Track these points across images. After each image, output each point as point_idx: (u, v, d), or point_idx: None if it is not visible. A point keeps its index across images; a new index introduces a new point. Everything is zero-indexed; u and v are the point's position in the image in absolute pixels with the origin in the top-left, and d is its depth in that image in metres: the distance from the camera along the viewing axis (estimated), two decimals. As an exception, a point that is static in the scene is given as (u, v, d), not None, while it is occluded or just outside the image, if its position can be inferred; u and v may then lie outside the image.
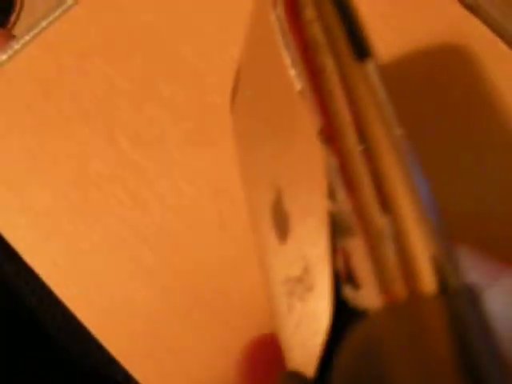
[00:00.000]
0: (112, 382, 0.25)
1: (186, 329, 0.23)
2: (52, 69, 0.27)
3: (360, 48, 0.14)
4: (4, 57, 0.28)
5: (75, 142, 0.26)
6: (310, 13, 0.14)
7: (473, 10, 0.26)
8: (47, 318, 0.26)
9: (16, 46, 0.28)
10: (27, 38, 0.28)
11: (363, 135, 0.13)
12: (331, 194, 0.13)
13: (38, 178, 0.26)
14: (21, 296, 0.26)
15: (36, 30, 0.28)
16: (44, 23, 0.28)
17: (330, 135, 0.13)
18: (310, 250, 0.14)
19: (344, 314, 0.14)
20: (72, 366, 0.26)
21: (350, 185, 0.13)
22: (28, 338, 0.26)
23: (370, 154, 0.13)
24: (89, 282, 0.25)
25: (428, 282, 0.13)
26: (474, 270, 0.16)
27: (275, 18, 0.14)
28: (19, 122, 0.27)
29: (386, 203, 0.13)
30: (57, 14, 0.28)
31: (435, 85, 0.25)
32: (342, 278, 0.13)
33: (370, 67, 0.14)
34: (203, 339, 0.23)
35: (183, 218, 0.25)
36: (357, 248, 0.13)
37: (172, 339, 0.24)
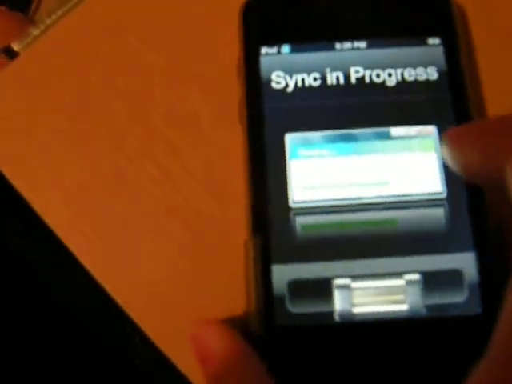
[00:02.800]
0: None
1: (216, 303, 0.24)
2: (84, 47, 0.28)
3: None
4: (37, 32, 0.28)
5: (108, 119, 0.27)
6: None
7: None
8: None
9: (48, 21, 0.28)
10: (59, 13, 0.29)
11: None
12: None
13: (71, 155, 0.27)
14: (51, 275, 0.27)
15: (67, 7, 0.28)
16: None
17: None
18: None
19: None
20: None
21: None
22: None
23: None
24: (120, 256, 0.25)
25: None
26: None
27: None
28: (52, 100, 0.27)
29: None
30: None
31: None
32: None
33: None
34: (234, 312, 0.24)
35: (214, 195, 0.26)
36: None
37: (201, 312, 0.24)
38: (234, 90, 0.25)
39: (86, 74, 0.28)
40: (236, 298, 0.23)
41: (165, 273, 0.25)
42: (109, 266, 0.25)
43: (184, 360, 0.24)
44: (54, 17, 0.29)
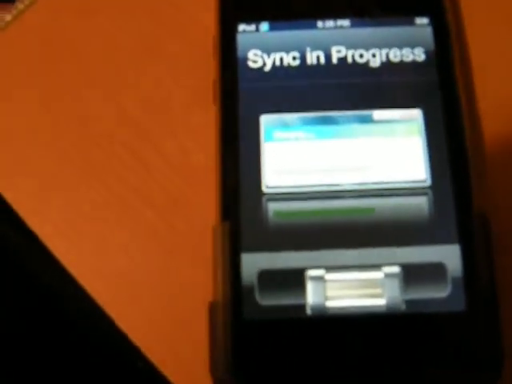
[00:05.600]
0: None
1: (189, 292, 0.23)
2: (54, 30, 0.27)
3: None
4: (8, 17, 0.27)
5: (77, 103, 0.26)
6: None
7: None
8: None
9: (21, 6, 0.28)
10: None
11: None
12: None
13: (40, 140, 0.26)
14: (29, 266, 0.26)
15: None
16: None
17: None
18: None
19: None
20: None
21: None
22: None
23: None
24: (90, 244, 0.24)
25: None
26: None
27: None
28: (21, 84, 0.27)
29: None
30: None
31: None
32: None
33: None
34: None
35: (188, 179, 0.25)
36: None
37: (174, 301, 0.23)
38: (207, 72, 0.24)
39: (57, 59, 0.27)
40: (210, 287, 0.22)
41: (138, 261, 0.24)
42: (79, 255, 0.24)
43: (155, 348, 0.23)
44: (25, 2, 0.28)
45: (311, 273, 0.21)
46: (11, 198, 0.25)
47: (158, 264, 0.24)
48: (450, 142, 0.22)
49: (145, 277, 0.24)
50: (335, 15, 0.24)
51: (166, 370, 0.23)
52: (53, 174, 0.25)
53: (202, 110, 0.25)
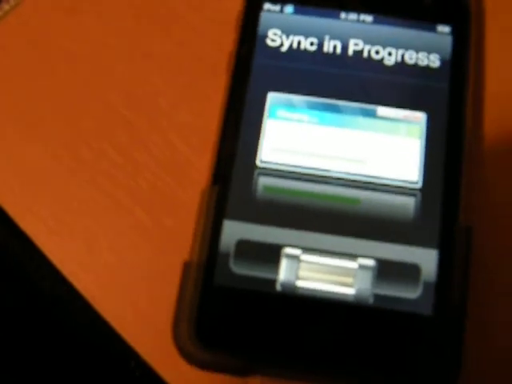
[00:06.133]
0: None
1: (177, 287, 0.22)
2: (40, 30, 0.27)
3: None
4: None
5: (66, 101, 0.26)
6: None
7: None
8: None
9: (6, 7, 0.28)
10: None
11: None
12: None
13: (29, 139, 0.26)
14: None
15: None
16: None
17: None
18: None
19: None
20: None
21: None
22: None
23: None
24: (81, 242, 0.24)
25: None
26: None
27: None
28: (9, 83, 0.27)
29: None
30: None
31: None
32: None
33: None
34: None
35: (176, 176, 0.25)
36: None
37: (163, 297, 0.23)
38: (193, 69, 0.25)
39: (44, 59, 0.27)
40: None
41: (126, 257, 0.24)
42: (69, 252, 0.24)
43: (145, 345, 0.23)
44: (12, 2, 0.28)
45: (288, 250, 0.21)
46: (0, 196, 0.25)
47: (146, 260, 0.24)
48: (448, 151, 0.23)
49: (134, 273, 0.24)
50: (359, 9, 0.24)
51: (156, 364, 0.23)
52: (42, 171, 0.25)
53: (189, 108, 0.25)
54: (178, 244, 0.23)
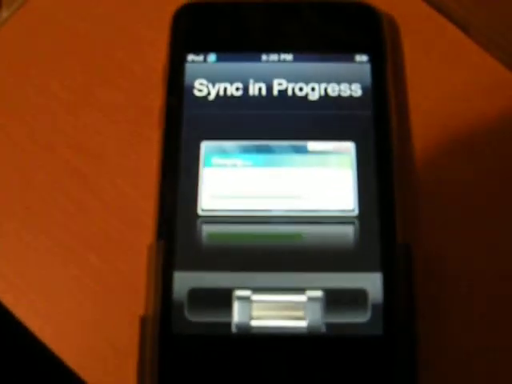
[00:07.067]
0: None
1: (136, 328, 0.23)
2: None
3: None
4: None
5: (15, 152, 0.27)
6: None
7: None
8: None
9: None
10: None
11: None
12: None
13: None
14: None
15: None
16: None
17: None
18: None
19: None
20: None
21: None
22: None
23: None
24: (37, 292, 0.25)
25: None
26: None
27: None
28: None
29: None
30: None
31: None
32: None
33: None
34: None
35: (125, 221, 0.25)
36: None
37: (121, 338, 0.24)
38: (139, 115, 0.26)
39: None
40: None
41: (84, 303, 0.25)
42: (28, 302, 0.25)
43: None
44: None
45: (238, 293, 0.22)
46: None
47: (103, 304, 0.24)
48: (378, 176, 0.24)
49: (91, 317, 0.24)
50: (279, 49, 0.25)
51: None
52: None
53: (136, 154, 0.26)
54: (132, 287, 0.24)
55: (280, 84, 0.25)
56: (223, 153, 0.24)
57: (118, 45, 0.28)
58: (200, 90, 0.25)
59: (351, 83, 0.25)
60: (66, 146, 0.27)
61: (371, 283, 0.22)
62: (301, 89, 0.25)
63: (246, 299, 0.22)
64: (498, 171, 0.26)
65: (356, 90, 0.25)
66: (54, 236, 0.25)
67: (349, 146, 0.24)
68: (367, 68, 0.25)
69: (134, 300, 0.23)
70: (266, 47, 0.25)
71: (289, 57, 0.25)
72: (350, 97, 0.25)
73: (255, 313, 0.22)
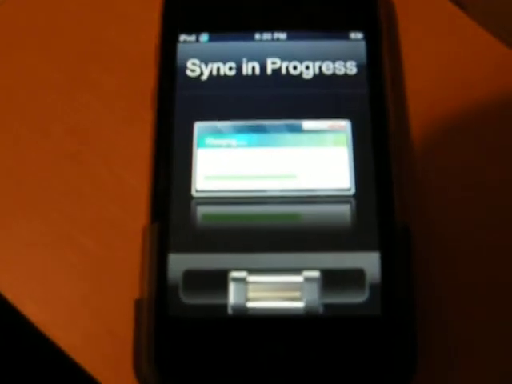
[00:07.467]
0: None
1: (131, 313, 0.23)
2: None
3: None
4: None
5: (10, 137, 0.26)
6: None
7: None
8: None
9: None
10: None
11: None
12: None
13: None
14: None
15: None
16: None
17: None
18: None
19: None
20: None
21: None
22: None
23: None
24: (33, 277, 0.24)
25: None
26: None
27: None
28: None
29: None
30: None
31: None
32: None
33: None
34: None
35: (121, 204, 0.25)
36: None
37: (117, 324, 0.23)
38: (133, 97, 0.26)
39: None
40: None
41: (79, 287, 0.24)
42: (23, 287, 0.25)
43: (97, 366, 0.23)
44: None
45: (234, 274, 0.22)
46: None
47: (99, 288, 0.24)
48: (375, 154, 0.23)
49: (88, 301, 0.24)
50: (272, 28, 0.25)
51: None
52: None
53: (132, 137, 0.26)
54: (129, 271, 0.24)
55: (274, 63, 0.25)
56: (217, 133, 0.24)
57: (110, 26, 0.28)
58: (193, 71, 0.25)
59: (346, 61, 0.24)
60: (61, 129, 0.27)
61: (369, 263, 0.22)
62: (295, 67, 0.24)
63: (242, 280, 0.22)
64: (497, 147, 0.25)
65: (351, 68, 0.24)
66: (49, 219, 0.25)
67: (344, 125, 0.24)
68: (362, 45, 0.25)
69: (130, 284, 0.23)
70: (259, 26, 0.25)
71: (282, 35, 0.25)
72: (345, 75, 0.24)
73: (251, 294, 0.22)
